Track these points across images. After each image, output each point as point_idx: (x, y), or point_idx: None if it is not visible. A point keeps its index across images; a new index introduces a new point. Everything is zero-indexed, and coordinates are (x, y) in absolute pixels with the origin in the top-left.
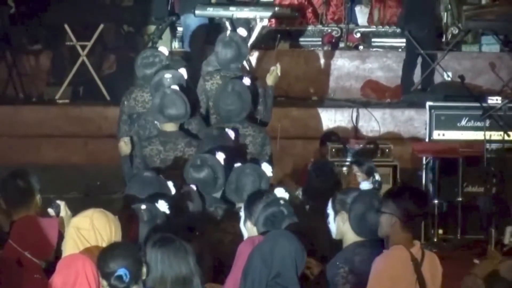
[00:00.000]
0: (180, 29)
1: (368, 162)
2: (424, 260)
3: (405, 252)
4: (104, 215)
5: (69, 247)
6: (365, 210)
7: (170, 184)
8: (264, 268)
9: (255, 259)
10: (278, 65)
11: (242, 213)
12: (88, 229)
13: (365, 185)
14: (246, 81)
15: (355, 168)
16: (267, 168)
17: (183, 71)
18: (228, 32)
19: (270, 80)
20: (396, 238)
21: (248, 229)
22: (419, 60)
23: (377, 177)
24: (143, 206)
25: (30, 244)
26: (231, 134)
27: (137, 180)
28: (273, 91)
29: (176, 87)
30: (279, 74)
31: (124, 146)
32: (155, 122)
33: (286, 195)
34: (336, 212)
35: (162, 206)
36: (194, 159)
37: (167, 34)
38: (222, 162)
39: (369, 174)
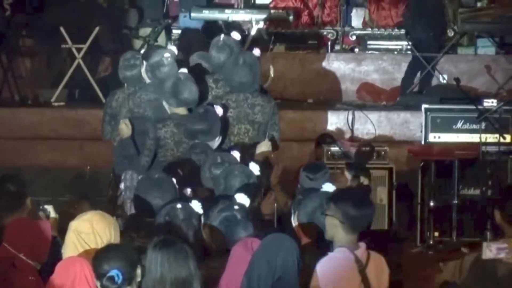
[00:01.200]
0: (175, 31)
1: (357, 167)
2: (369, 262)
3: (348, 254)
4: (104, 218)
5: (70, 251)
6: (311, 212)
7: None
8: (269, 271)
9: (259, 262)
10: (271, 67)
11: (202, 217)
12: (89, 233)
13: (328, 187)
14: (256, 51)
15: (345, 171)
16: (254, 168)
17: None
18: (222, 36)
19: (257, 154)
20: (339, 240)
21: (206, 234)
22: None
23: (362, 180)
24: (179, 205)
25: (24, 246)
26: (219, 111)
27: (156, 182)
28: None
29: (185, 70)
30: (272, 75)
31: (125, 128)
32: (164, 105)
33: (246, 201)
34: (294, 212)
35: (196, 206)
36: (213, 158)
37: (162, 36)
38: (238, 159)
39: (355, 176)
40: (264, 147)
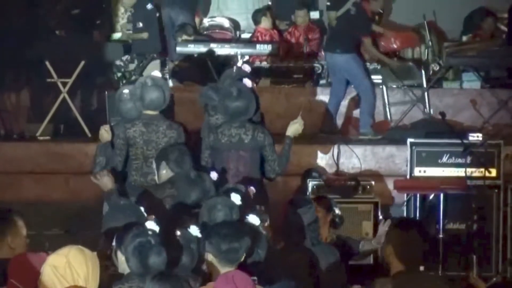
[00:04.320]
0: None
1: (326, 198)
2: None
3: None
4: (81, 252)
5: (46, 286)
6: (219, 243)
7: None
8: None
9: None
10: (300, 118)
11: (113, 243)
12: (65, 267)
13: (252, 218)
14: (248, 82)
15: (317, 207)
16: (236, 198)
17: None
18: (235, 68)
19: (290, 131)
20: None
21: (119, 259)
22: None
23: (337, 211)
24: (178, 232)
25: (31, 283)
26: (248, 83)
27: (121, 208)
28: (291, 141)
29: (158, 73)
30: (300, 128)
31: (105, 133)
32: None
33: (156, 228)
34: None
35: (194, 230)
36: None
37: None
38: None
39: (328, 209)
40: (297, 124)
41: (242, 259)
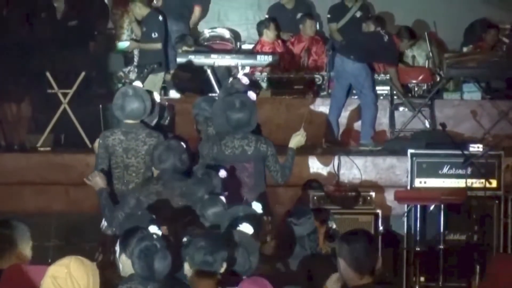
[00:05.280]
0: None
1: (324, 211)
2: None
3: None
4: (82, 263)
5: None
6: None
7: None
8: None
9: None
10: (302, 130)
11: (117, 247)
12: (65, 278)
13: (244, 227)
14: (252, 95)
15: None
16: (257, 207)
17: None
18: (231, 80)
19: (293, 143)
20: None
21: (122, 262)
22: None
23: (332, 225)
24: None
25: None
26: (253, 96)
27: (139, 218)
28: (294, 153)
29: (139, 84)
30: (303, 140)
31: (98, 144)
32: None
33: (158, 232)
34: None
35: None
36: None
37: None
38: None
39: (322, 221)
40: (300, 136)
41: (221, 271)
